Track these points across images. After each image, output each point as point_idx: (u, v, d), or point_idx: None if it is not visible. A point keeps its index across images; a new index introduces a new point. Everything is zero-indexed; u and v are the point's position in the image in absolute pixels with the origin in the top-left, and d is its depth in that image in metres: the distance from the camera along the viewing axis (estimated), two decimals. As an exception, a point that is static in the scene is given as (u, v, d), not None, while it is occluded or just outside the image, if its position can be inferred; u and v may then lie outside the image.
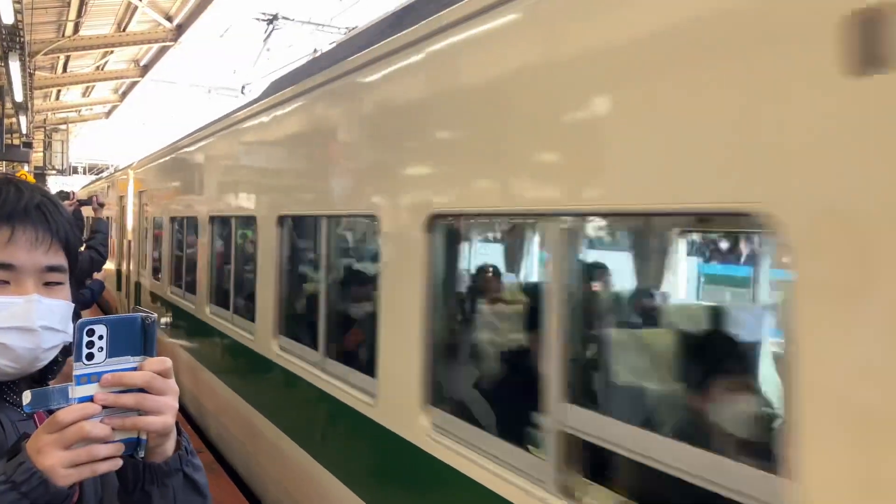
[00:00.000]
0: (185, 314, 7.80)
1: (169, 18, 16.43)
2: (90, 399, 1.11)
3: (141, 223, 10.79)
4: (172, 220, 8.55)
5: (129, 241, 12.02)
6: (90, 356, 1.12)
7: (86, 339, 1.12)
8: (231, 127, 6.29)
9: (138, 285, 11.10)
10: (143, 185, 10.77)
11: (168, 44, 17.53)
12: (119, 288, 13.20)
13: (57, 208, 1.33)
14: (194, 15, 15.89)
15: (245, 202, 5.92)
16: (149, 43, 17.70)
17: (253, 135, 5.73)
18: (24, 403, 1.10)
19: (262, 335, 5.14)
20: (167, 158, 9.14)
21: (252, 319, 5.40)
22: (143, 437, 1.16)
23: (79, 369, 1.12)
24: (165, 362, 1.17)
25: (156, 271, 9.67)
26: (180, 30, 16.74)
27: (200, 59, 24.68)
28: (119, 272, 13.35)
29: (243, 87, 18.59)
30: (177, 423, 1.20)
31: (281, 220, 4.89)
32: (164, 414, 1.15)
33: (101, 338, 1.13)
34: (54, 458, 1.07)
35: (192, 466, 1.24)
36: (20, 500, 1.04)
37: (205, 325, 6.89)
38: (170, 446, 1.21)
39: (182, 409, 7.59)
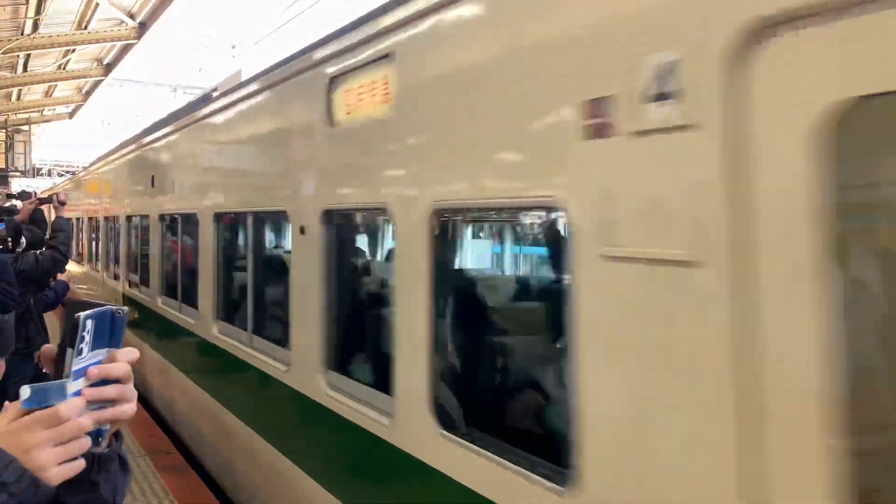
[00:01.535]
0: None
1: (131, 16, 16.21)
2: (79, 394, 1.09)
3: None
4: None
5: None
6: (80, 351, 1.09)
7: (80, 333, 1.09)
8: None
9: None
10: None
11: (131, 41, 17.28)
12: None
13: None
14: (157, 12, 15.69)
15: None
16: (111, 41, 17.41)
17: None
18: (24, 399, 1.06)
19: None
20: None
21: None
22: (105, 427, 1.14)
23: (75, 364, 1.09)
24: (134, 352, 1.17)
25: None
26: (143, 27, 16.52)
27: (166, 57, 24.34)
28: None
29: None
30: None
31: None
32: (133, 402, 1.16)
33: (87, 332, 1.10)
34: (48, 457, 1.03)
35: (121, 445, 1.23)
36: (9, 502, 1.00)
37: None
38: None
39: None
